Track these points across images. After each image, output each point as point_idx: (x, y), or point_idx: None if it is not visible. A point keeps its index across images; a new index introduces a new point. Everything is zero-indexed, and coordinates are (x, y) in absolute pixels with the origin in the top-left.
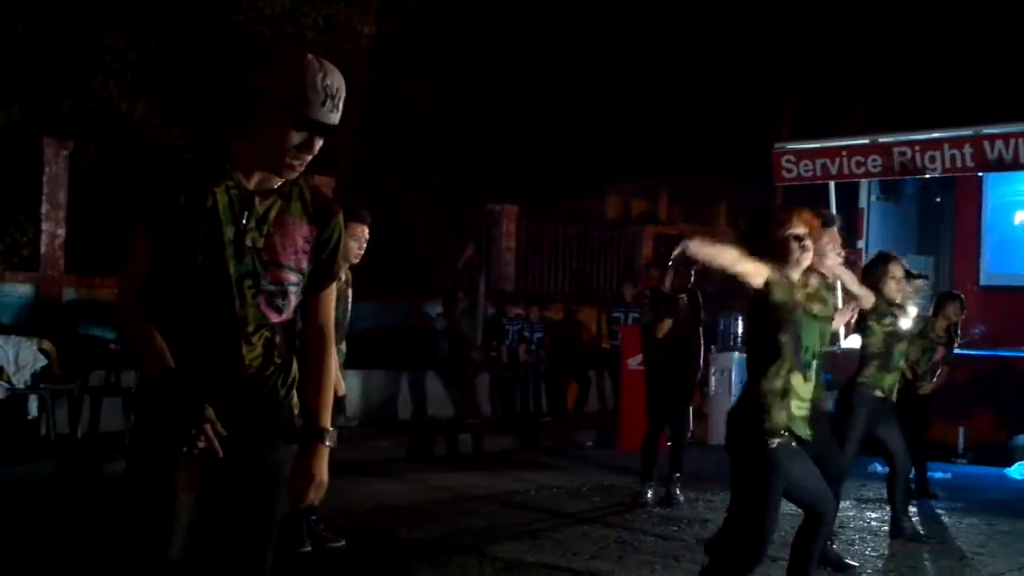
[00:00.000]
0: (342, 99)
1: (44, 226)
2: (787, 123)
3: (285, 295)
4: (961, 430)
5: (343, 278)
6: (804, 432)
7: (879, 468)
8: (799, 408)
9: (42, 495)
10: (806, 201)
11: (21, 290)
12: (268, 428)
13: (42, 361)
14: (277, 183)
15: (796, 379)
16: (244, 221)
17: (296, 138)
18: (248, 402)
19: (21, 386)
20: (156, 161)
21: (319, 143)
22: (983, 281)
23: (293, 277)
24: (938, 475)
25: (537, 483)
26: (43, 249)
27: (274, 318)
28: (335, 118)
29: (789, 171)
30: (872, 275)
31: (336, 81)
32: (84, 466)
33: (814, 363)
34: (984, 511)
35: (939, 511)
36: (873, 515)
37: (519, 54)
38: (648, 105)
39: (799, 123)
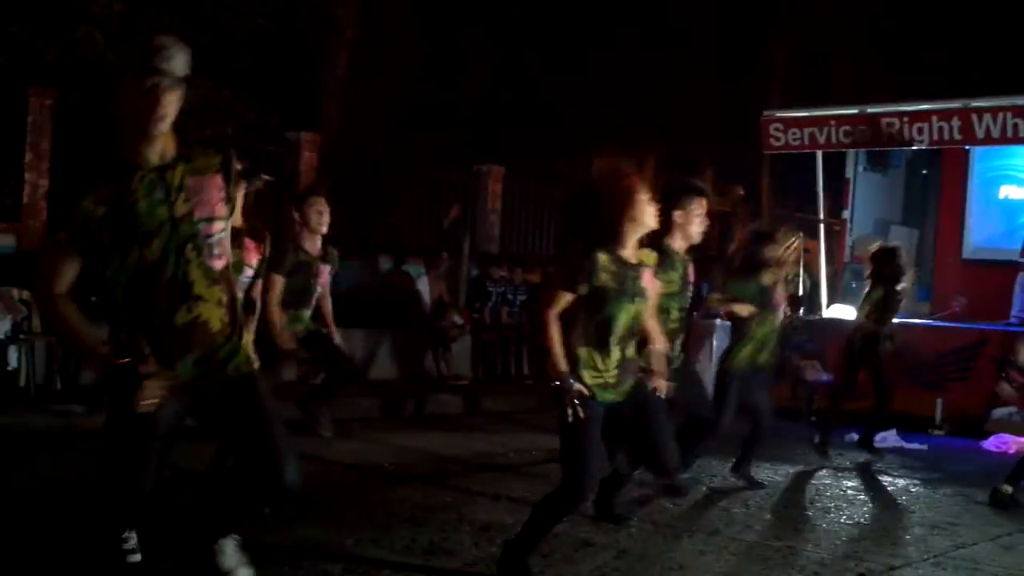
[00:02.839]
0: (177, 53)
1: (27, 176)
2: (776, 90)
3: (220, 242)
4: (939, 402)
5: (307, 251)
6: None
7: (855, 437)
8: (595, 377)
9: (25, 445)
10: (793, 169)
11: (3, 240)
12: (229, 369)
13: (23, 312)
14: (173, 151)
15: (590, 352)
16: (167, 196)
17: (142, 92)
18: (215, 354)
19: (1, 337)
20: (73, 195)
21: (167, 96)
22: (966, 254)
23: (220, 224)
24: (914, 446)
25: (516, 446)
26: (25, 199)
27: (218, 265)
28: (169, 68)
29: (777, 139)
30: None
31: (167, 41)
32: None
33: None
34: (960, 483)
35: (915, 481)
36: (849, 483)
37: (508, 12)
38: (636, 68)
39: (788, 90)
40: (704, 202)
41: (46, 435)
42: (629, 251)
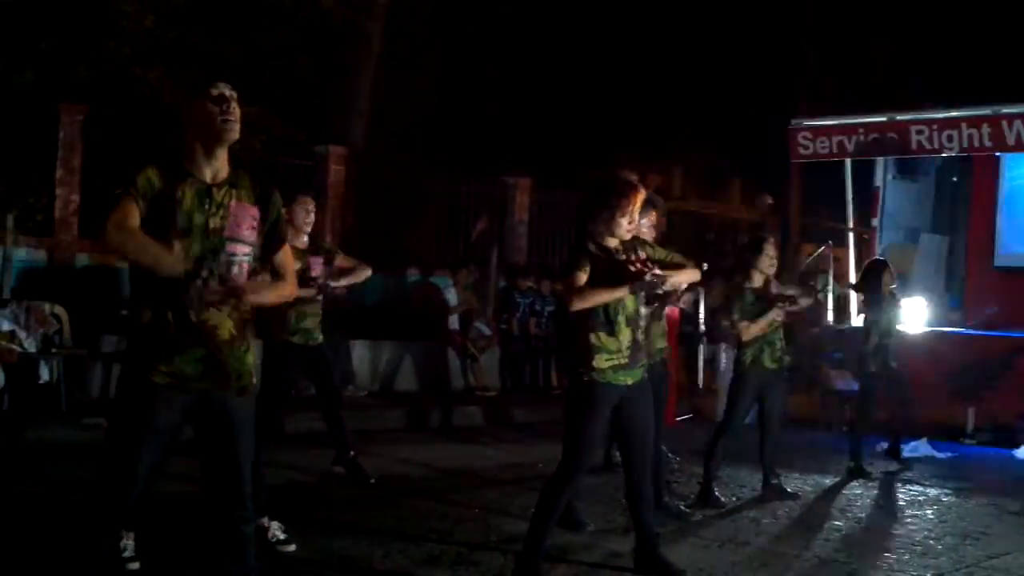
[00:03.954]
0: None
1: (58, 191)
2: (804, 99)
3: (240, 263)
4: (971, 411)
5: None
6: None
7: (884, 446)
8: (608, 360)
9: (56, 459)
10: (822, 178)
11: (35, 255)
12: (233, 379)
13: (54, 326)
14: (224, 175)
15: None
16: (207, 207)
17: (214, 98)
18: (221, 355)
19: (33, 350)
20: (138, 157)
21: (234, 103)
22: (998, 262)
23: (245, 248)
24: (945, 455)
25: (544, 458)
26: (57, 214)
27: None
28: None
29: (806, 148)
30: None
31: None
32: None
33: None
34: (991, 492)
35: (947, 491)
36: (880, 493)
37: (534, 25)
38: (664, 79)
39: (816, 99)
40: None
41: (77, 448)
42: (618, 242)
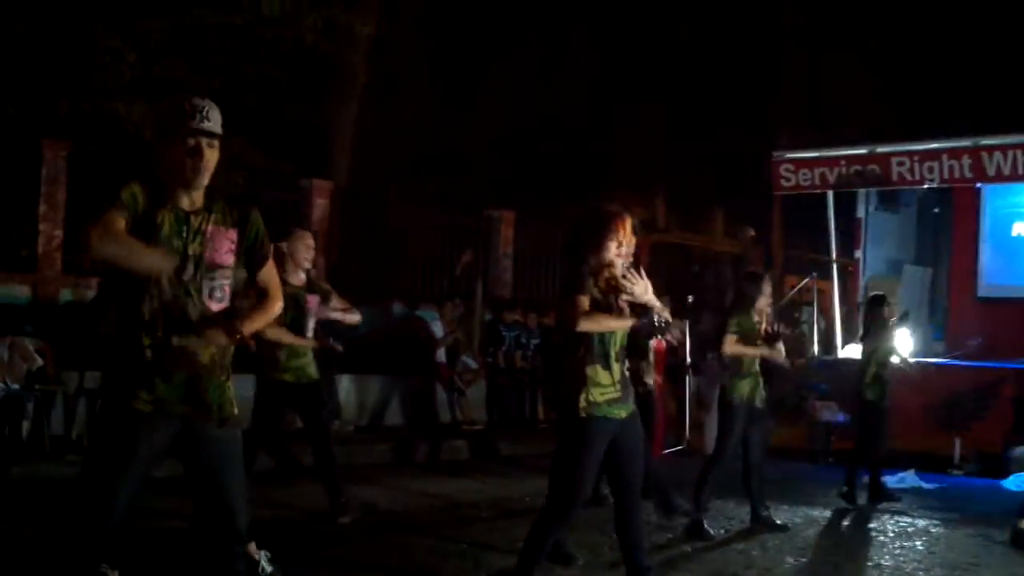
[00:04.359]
0: (212, 112)
1: (42, 227)
2: (785, 132)
3: (221, 288)
4: (957, 441)
5: (292, 284)
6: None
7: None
8: (603, 394)
9: (40, 496)
10: (804, 210)
11: (19, 291)
12: (214, 410)
13: (38, 362)
14: (200, 203)
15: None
16: (185, 234)
17: (187, 150)
18: (200, 383)
19: (16, 387)
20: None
21: (209, 152)
22: (980, 292)
23: (226, 272)
24: (933, 485)
25: (531, 491)
26: (40, 250)
27: (214, 307)
28: (209, 127)
29: (788, 180)
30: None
31: (202, 102)
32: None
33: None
34: (980, 522)
35: (935, 522)
36: (868, 525)
37: (517, 59)
38: (646, 110)
39: (797, 132)
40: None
41: (60, 485)
42: (608, 274)
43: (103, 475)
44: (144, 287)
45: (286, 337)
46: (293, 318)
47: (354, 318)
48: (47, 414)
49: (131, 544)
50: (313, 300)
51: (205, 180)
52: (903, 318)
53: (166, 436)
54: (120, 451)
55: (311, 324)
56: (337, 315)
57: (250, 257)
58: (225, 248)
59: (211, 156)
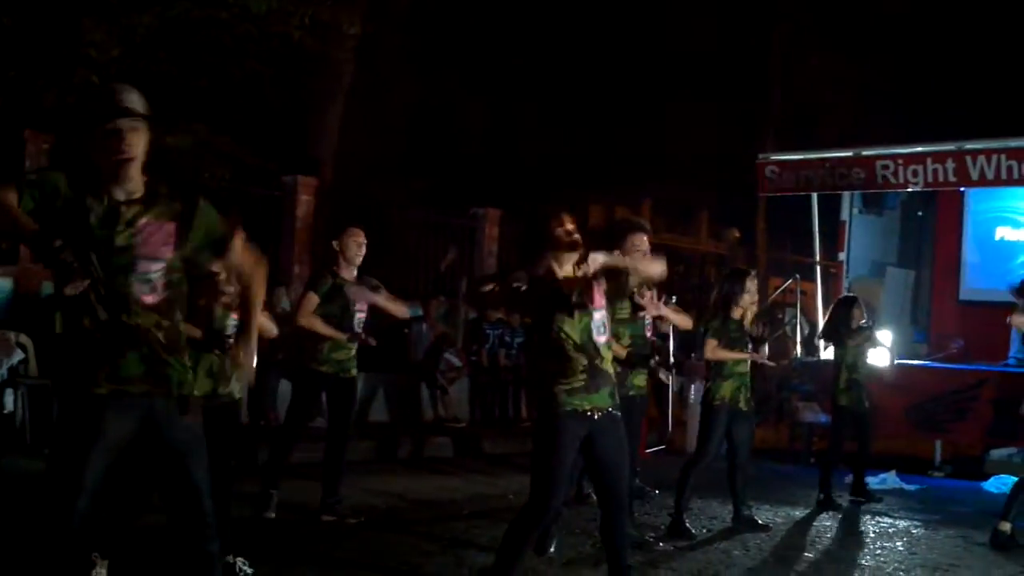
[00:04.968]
0: (130, 95)
1: None
2: (770, 134)
3: (157, 281)
4: (938, 443)
5: (344, 277)
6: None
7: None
8: (563, 385)
9: (21, 490)
10: (788, 212)
11: (0, 283)
12: (174, 384)
13: (19, 355)
14: (138, 194)
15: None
16: (115, 225)
17: (106, 132)
18: (159, 357)
19: None
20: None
21: (131, 135)
22: (963, 296)
23: (160, 265)
24: (914, 487)
25: (514, 489)
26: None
27: (147, 300)
28: (129, 107)
29: (772, 182)
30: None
31: (120, 86)
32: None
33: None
34: (960, 523)
35: (916, 523)
36: (850, 525)
37: (504, 59)
38: (632, 112)
39: (782, 134)
40: (645, 237)
41: (41, 479)
42: (566, 270)
43: (69, 463)
44: (76, 273)
45: (323, 329)
46: (341, 312)
47: (401, 309)
48: (28, 407)
49: (126, 538)
50: (355, 291)
51: (135, 168)
52: (866, 328)
53: (131, 420)
54: (84, 438)
55: (360, 317)
56: (383, 302)
57: (206, 246)
58: (160, 241)
59: (133, 139)
